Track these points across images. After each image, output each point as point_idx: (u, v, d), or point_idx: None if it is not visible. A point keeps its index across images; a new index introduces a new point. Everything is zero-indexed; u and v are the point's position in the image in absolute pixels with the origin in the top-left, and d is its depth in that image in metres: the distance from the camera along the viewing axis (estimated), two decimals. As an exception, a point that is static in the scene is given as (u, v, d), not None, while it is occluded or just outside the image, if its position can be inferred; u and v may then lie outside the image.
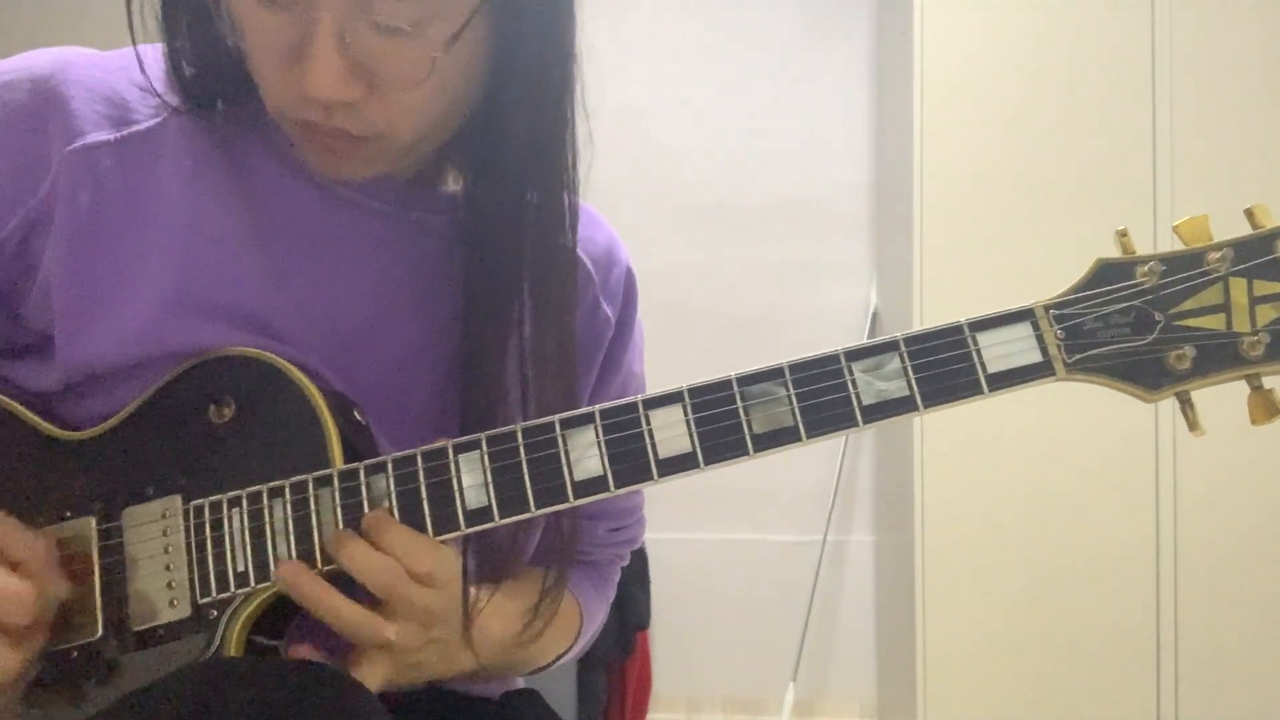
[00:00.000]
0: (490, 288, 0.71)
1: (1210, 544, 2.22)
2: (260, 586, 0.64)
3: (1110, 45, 2.28)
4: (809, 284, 2.93)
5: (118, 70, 0.71)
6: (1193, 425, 0.61)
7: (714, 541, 2.91)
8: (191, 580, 0.65)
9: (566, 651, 0.87)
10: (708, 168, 2.98)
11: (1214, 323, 0.60)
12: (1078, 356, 0.62)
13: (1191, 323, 0.61)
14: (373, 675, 0.64)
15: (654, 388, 0.66)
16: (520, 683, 0.88)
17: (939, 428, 2.30)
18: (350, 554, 0.62)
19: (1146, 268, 0.61)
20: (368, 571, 0.62)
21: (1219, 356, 0.60)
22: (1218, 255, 0.60)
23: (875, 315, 2.85)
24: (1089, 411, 2.13)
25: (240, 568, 0.64)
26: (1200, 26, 2.25)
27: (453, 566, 0.65)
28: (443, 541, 0.64)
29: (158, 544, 0.66)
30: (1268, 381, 0.60)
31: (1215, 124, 2.25)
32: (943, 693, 2.28)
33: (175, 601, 0.65)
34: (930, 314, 2.31)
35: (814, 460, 2.84)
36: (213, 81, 0.69)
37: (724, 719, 2.89)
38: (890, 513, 2.69)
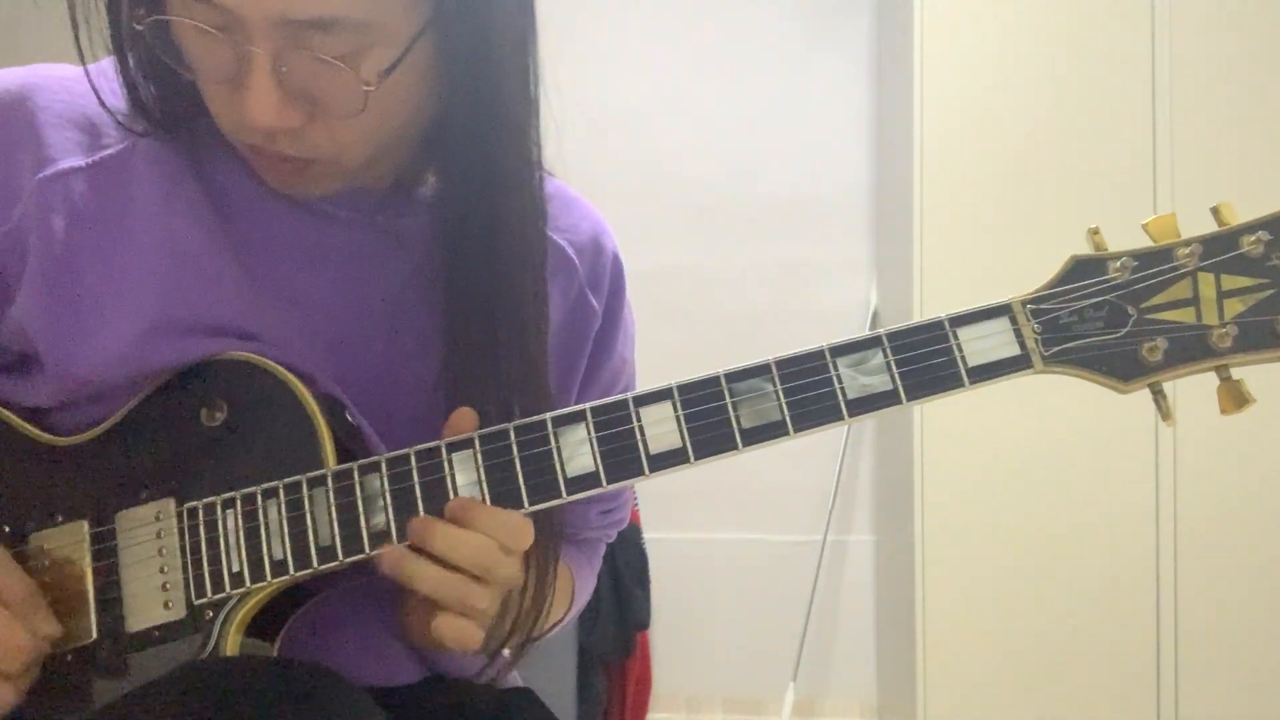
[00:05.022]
0: (469, 288, 0.71)
1: (1210, 543, 2.22)
2: (255, 586, 0.64)
3: (1110, 45, 2.28)
4: (809, 284, 2.93)
5: (87, 92, 0.70)
6: (1165, 415, 0.63)
7: (714, 541, 2.91)
8: (186, 581, 0.65)
9: (560, 621, 0.89)
10: (708, 168, 2.97)
11: (1184, 316, 0.62)
12: (1054, 349, 0.63)
13: (1163, 316, 0.62)
14: (474, 636, 0.65)
15: (653, 387, 0.66)
16: (519, 682, 0.88)
17: (939, 427, 2.30)
18: (443, 537, 0.63)
19: (1119, 263, 0.62)
20: (463, 551, 0.63)
21: (1189, 348, 0.62)
22: (1186, 251, 0.62)
23: (875, 315, 2.85)
24: (1089, 411, 2.13)
25: (235, 568, 0.65)
26: (1200, 26, 2.25)
27: (530, 538, 0.66)
28: None
29: (152, 546, 0.66)
30: (1236, 372, 0.62)
31: (1215, 123, 2.25)
32: (943, 693, 2.28)
33: (170, 603, 0.65)
34: (930, 314, 2.30)
35: (814, 460, 2.84)
36: (173, 101, 0.69)
37: (724, 719, 2.90)
38: (890, 513, 2.69)
